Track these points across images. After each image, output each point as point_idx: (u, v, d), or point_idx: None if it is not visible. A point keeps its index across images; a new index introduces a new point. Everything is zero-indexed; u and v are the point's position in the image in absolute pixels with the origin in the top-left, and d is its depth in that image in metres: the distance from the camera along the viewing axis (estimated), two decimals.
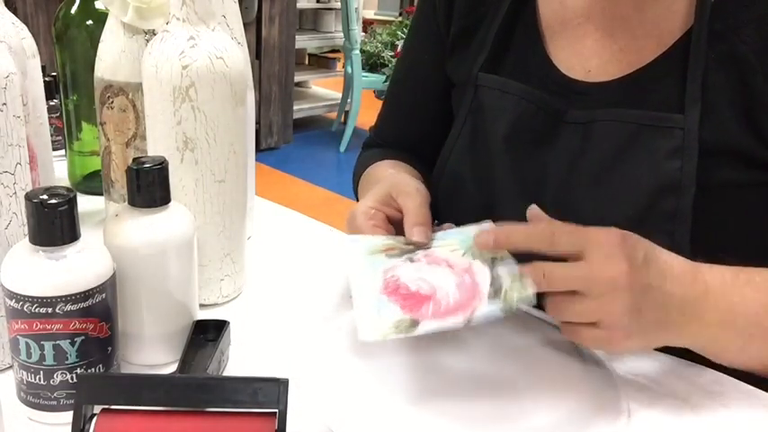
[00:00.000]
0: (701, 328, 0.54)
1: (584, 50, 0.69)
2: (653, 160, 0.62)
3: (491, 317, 0.50)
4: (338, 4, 4.38)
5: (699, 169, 0.61)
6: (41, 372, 0.49)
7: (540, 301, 0.70)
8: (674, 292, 0.53)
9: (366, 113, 4.22)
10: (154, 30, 0.73)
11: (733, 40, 0.61)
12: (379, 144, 0.91)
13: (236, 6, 0.74)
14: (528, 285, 0.51)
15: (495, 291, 0.52)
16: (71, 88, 0.88)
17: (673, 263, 0.54)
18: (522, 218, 0.69)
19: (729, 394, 0.57)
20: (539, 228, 0.55)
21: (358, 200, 0.85)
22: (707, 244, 0.60)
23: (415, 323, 0.50)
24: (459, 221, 0.77)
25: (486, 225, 0.60)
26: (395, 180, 0.65)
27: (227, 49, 0.62)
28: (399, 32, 4.55)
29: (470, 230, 0.60)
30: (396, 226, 0.62)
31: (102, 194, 0.82)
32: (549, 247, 0.52)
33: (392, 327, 0.50)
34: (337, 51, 4.86)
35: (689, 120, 0.61)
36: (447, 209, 0.78)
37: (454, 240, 0.59)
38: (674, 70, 0.63)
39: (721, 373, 0.59)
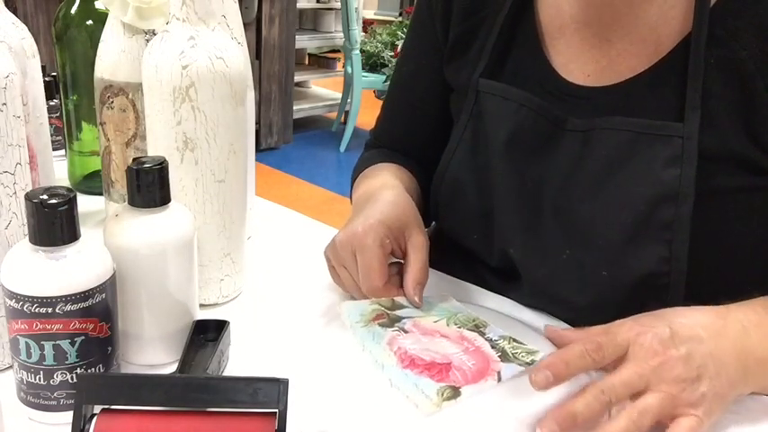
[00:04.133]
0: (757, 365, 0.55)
1: (583, 55, 0.68)
2: (651, 168, 0.61)
3: (515, 373, 0.55)
4: (338, 4, 4.38)
5: (698, 176, 0.60)
6: (41, 372, 0.49)
7: (539, 303, 0.70)
8: (725, 347, 0.53)
9: (366, 113, 4.22)
10: (154, 30, 0.73)
11: (732, 45, 0.60)
12: (378, 146, 0.90)
13: (236, 6, 0.74)
14: (533, 349, 0.58)
15: (500, 354, 0.57)
16: (71, 88, 0.88)
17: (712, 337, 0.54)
18: (520, 224, 0.69)
19: None
20: (589, 348, 0.53)
21: (351, 194, 0.85)
22: (705, 252, 0.60)
23: (456, 390, 0.52)
24: (459, 226, 0.77)
25: (453, 300, 0.66)
26: (409, 215, 0.69)
27: (227, 49, 0.62)
28: (399, 32, 4.54)
29: (436, 301, 0.65)
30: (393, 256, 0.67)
31: (102, 194, 0.82)
32: (601, 362, 0.53)
33: (438, 396, 0.52)
34: (337, 51, 4.86)
35: (688, 128, 0.60)
36: (447, 214, 0.78)
37: (429, 312, 0.64)
38: (672, 76, 0.63)
39: None
